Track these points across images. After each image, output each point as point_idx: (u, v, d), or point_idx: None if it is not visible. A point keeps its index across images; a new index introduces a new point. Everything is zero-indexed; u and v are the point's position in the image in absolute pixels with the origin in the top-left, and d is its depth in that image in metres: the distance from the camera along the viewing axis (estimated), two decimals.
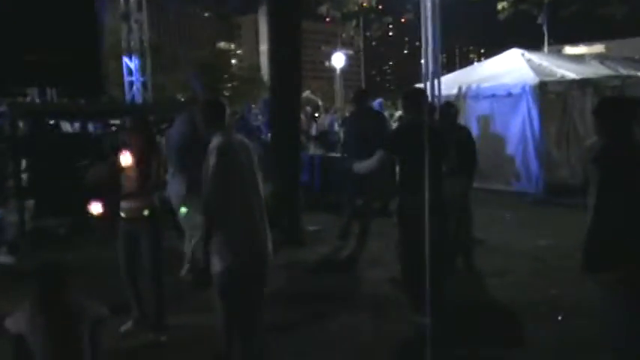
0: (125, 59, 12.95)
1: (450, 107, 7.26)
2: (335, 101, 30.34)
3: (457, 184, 6.44)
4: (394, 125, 12.04)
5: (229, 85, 41.65)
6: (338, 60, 32.53)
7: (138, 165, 5.12)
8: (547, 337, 4.97)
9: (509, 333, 5.22)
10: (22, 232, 8.21)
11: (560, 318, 5.33)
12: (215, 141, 4.10)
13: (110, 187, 5.29)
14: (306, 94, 19.41)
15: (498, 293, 6.13)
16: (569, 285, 5.92)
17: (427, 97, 6.12)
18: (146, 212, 5.14)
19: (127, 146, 5.18)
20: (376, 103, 12.43)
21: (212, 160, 3.99)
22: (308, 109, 13.31)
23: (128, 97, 12.83)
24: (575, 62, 13.88)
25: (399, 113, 12.77)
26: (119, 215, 5.24)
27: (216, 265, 4.05)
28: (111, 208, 5.10)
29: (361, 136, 7.70)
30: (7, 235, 8.16)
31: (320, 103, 20.06)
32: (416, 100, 5.49)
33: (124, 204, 5.22)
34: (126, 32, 12.97)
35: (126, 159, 5.07)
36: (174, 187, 6.67)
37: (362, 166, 5.82)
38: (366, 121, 8.05)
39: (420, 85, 11.54)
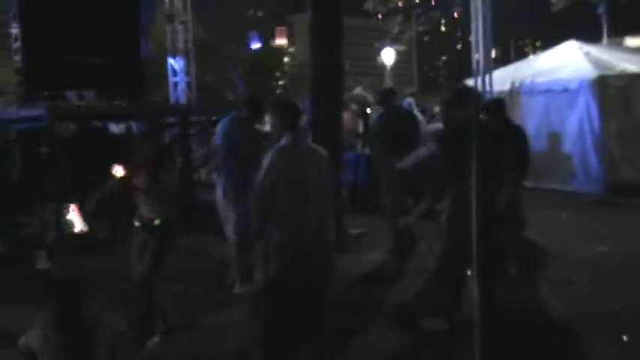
0: (170, 60, 12.86)
1: (500, 104, 6.82)
2: None
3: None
4: (430, 123, 11.62)
5: (280, 83, 41.57)
6: (388, 56, 32.03)
7: (148, 175, 5.04)
8: None
9: (564, 352, 4.74)
10: (60, 236, 8.13)
11: (625, 339, 4.78)
12: (280, 142, 4.01)
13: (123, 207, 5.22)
14: (358, 90, 19.06)
15: (553, 305, 5.64)
16: (635, 297, 5.40)
17: (477, 94, 5.75)
18: (157, 222, 5.05)
19: (137, 155, 5.11)
20: (406, 102, 12.02)
21: (267, 159, 3.90)
22: (353, 107, 12.90)
23: (172, 97, 12.73)
24: (636, 55, 13.13)
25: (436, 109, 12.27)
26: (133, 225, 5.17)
27: (262, 272, 3.87)
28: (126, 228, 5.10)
29: (393, 137, 7.35)
30: (46, 240, 8.11)
31: (371, 99, 19.69)
32: (465, 99, 5.14)
33: (138, 211, 5.14)
34: (170, 33, 12.91)
35: (119, 171, 5.06)
36: (218, 189, 6.47)
37: (407, 162, 5.56)
38: (397, 121, 7.71)
39: (471, 81, 11.11)
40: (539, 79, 11.79)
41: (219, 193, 6.48)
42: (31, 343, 3.55)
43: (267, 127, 7.04)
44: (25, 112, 8.37)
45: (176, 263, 7.47)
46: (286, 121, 4.15)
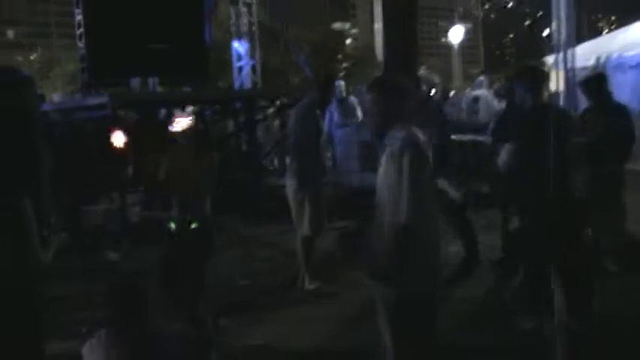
0: (234, 44, 12.56)
1: (600, 80, 6.13)
2: (452, 79, 28.94)
3: (606, 173, 5.59)
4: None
5: (343, 65, 41.08)
6: (456, 34, 30.98)
7: (186, 167, 4.50)
8: None
9: None
10: (127, 226, 7.91)
11: None
12: (400, 134, 3.28)
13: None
14: (422, 72, 18.34)
15: None
16: None
17: (545, 73, 5.11)
18: (194, 225, 4.47)
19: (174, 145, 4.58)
20: (477, 82, 11.29)
21: (407, 158, 3.21)
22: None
23: (237, 82, 12.42)
24: None
25: (476, 92, 11.38)
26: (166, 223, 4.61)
27: (397, 285, 3.34)
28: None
29: None
30: (112, 230, 7.91)
31: (437, 81, 18.95)
32: (534, 78, 4.54)
33: (172, 209, 4.59)
34: (234, 16, 12.62)
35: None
36: (291, 178, 6.02)
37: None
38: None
39: (551, 58, 10.37)
40: (629, 53, 10.91)
41: (292, 182, 6.01)
42: (94, 353, 3.24)
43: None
44: (88, 100, 8.18)
45: (242, 255, 7.29)
46: (397, 108, 3.37)
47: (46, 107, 8.89)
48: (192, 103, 8.98)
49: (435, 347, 3.50)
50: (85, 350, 3.25)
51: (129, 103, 8.16)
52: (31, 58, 38.98)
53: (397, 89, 3.42)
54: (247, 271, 6.50)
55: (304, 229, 5.93)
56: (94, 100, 7.96)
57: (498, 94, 9.55)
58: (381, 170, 3.38)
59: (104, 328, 3.28)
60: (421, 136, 3.38)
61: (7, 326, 3.03)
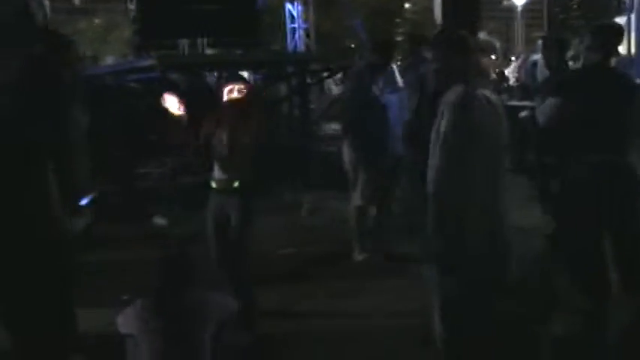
0: (287, 5, 12.30)
1: None
2: (515, 44, 27.88)
3: None
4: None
5: (400, 30, 40.22)
6: None
7: (230, 128, 4.30)
8: None
9: None
10: (176, 191, 7.84)
11: None
12: (452, 94, 3.06)
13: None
14: (482, 36, 17.67)
15: None
16: None
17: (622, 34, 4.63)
18: (236, 184, 4.30)
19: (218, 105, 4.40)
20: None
21: (448, 118, 2.99)
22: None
23: (290, 45, 12.18)
24: None
25: (534, 57, 10.74)
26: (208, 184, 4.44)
27: (439, 266, 3.12)
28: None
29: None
30: (161, 195, 7.86)
31: (498, 45, 18.24)
32: (608, 38, 4.09)
33: (214, 172, 4.40)
34: None
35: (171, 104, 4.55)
36: (345, 148, 5.77)
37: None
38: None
39: (622, 19, 9.75)
40: None
41: (346, 150, 5.76)
42: (128, 324, 3.14)
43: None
44: (137, 63, 8.09)
45: (289, 222, 7.13)
46: (455, 64, 3.17)
47: (98, 70, 8.87)
48: (242, 67, 8.78)
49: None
50: (120, 319, 3.16)
51: (178, 65, 8.00)
52: (95, 22, 39.61)
53: (460, 45, 3.21)
54: (293, 240, 6.33)
55: (356, 198, 5.72)
56: (143, 63, 7.85)
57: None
58: (433, 133, 3.12)
59: (142, 297, 3.19)
60: (484, 96, 3.12)
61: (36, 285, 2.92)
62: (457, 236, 3.10)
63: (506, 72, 13.88)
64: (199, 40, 8.56)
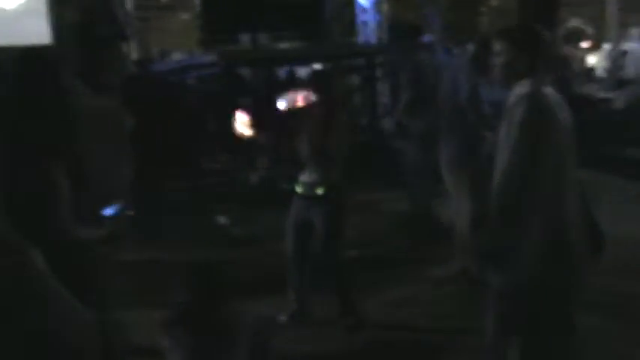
0: None
1: None
2: (609, 30, 26.31)
3: None
4: None
5: (481, 19, 38.92)
6: None
7: (317, 129, 4.16)
8: None
9: None
10: (240, 189, 7.62)
11: None
12: (522, 90, 2.80)
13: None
14: (574, 22, 16.61)
15: None
16: None
17: None
18: (320, 191, 4.12)
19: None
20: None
21: (519, 115, 2.73)
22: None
23: (362, 38, 11.75)
24: None
25: (626, 45, 9.79)
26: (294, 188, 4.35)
27: (501, 277, 2.86)
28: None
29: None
30: (224, 193, 7.67)
31: (590, 32, 17.12)
32: None
33: (301, 176, 4.28)
34: None
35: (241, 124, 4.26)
36: (444, 152, 5.22)
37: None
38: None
39: None
40: None
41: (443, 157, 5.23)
42: (159, 336, 2.94)
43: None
44: (198, 59, 7.94)
45: (353, 222, 6.75)
46: (525, 58, 2.88)
47: (162, 67, 8.81)
48: (307, 60, 8.49)
49: None
50: (160, 324, 2.97)
51: (239, 60, 7.78)
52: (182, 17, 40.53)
53: (528, 39, 2.92)
54: (359, 242, 5.91)
55: (465, 208, 5.00)
56: (202, 59, 7.70)
57: None
58: (501, 133, 2.83)
59: (170, 311, 2.99)
60: (551, 93, 2.83)
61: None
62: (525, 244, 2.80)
63: (594, 61, 12.95)
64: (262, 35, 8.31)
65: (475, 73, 4.87)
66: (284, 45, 8.71)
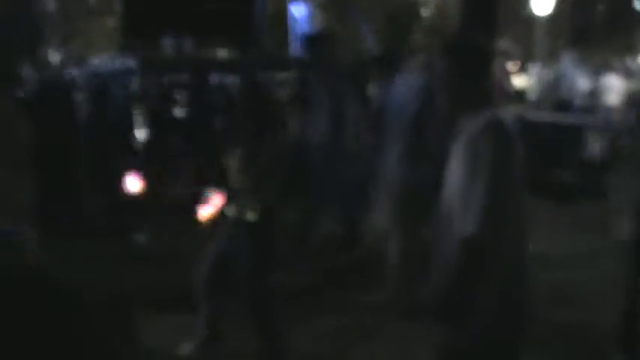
0: (291, 7, 11.59)
1: None
2: (536, 51, 27.07)
3: None
4: None
5: (414, 37, 39.44)
6: (540, 3, 28.38)
7: (247, 144, 3.87)
8: None
9: None
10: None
11: None
12: (485, 117, 2.51)
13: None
14: (500, 44, 16.89)
15: None
16: None
17: None
18: (250, 216, 3.79)
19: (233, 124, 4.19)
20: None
21: (488, 144, 2.44)
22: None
23: (292, 50, 11.45)
24: None
25: (559, 68, 9.93)
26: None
27: (476, 322, 2.51)
28: None
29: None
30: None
31: (513, 52, 17.44)
32: None
33: (229, 199, 4.01)
34: None
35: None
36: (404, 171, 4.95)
37: None
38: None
39: None
40: None
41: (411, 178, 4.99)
42: None
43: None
44: (117, 65, 7.34)
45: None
46: (480, 80, 2.57)
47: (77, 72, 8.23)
48: (230, 69, 8.05)
49: None
50: None
51: (159, 68, 7.23)
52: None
53: (480, 53, 2.62)
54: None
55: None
56: (119, 65, 7.14)
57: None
58: (452, 163, 2.53)
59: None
60: (506, 117, 2.67)
61: None
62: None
63: (523, 82, 13.10)
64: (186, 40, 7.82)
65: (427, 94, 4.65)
66: (211, 52, 8.26)
